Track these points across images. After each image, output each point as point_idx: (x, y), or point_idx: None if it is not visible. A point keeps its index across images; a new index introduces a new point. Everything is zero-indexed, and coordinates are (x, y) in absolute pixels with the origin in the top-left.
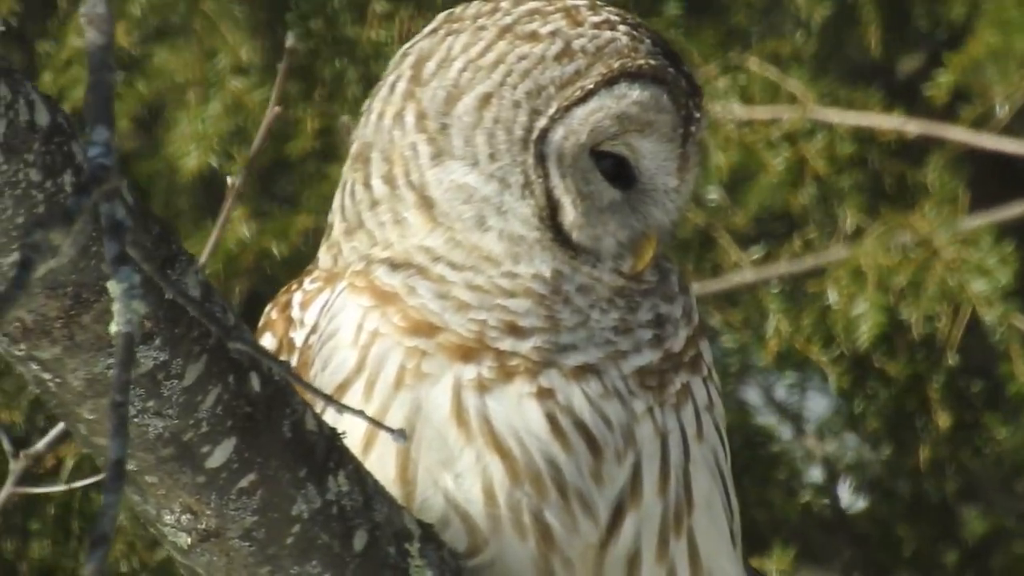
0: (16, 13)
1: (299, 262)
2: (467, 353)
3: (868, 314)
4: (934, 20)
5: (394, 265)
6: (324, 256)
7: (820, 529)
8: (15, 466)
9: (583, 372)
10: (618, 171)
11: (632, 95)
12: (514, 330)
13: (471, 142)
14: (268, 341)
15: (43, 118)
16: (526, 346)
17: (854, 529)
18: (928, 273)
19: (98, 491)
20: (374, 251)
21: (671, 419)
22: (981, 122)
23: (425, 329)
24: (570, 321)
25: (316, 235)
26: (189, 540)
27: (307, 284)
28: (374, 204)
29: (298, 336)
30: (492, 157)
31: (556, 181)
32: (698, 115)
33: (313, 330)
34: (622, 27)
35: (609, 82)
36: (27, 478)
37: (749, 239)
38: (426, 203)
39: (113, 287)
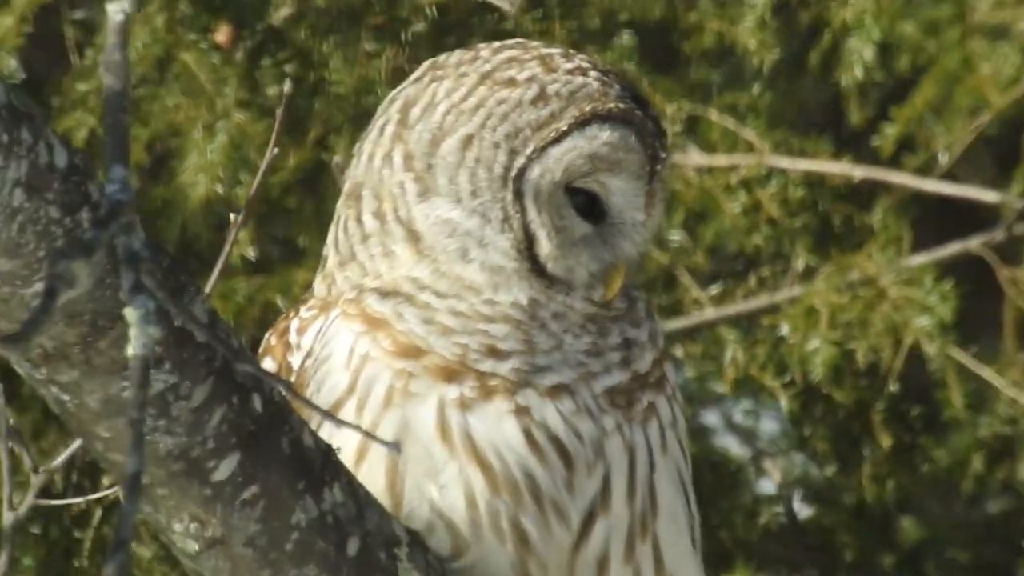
0: (30, 61)
1: None
2: (450, 374)
3: (821, 349)
4: (886, 72)
5: (383, 294)
6: (319, 286)
7: (774, 540)
8: (35, 480)
9: (557, 391)
10: (590, 206)
11: (602, 136)
12: (494, 353)
13: (454, 180)
14: (268, 364)
15: (61, 159)
16: (505, 367)
17: (803, 537)
18: (875, 311)
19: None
20: (365, 281)
21: (638, 434)
22: (924, 169)
23: (412, 352)
24: (545, 345)
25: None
26: (197, 547)
27: (303, 312)
28: (365, 238)
29: (295, 360)
30: (474, 194)
31: (533, 216)
32: (663, 155)
33: (309, 354)
34: (593, 73)
35: (581, 124)
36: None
37: (708, 277)
38: (413, 237)
39: (130, 314)
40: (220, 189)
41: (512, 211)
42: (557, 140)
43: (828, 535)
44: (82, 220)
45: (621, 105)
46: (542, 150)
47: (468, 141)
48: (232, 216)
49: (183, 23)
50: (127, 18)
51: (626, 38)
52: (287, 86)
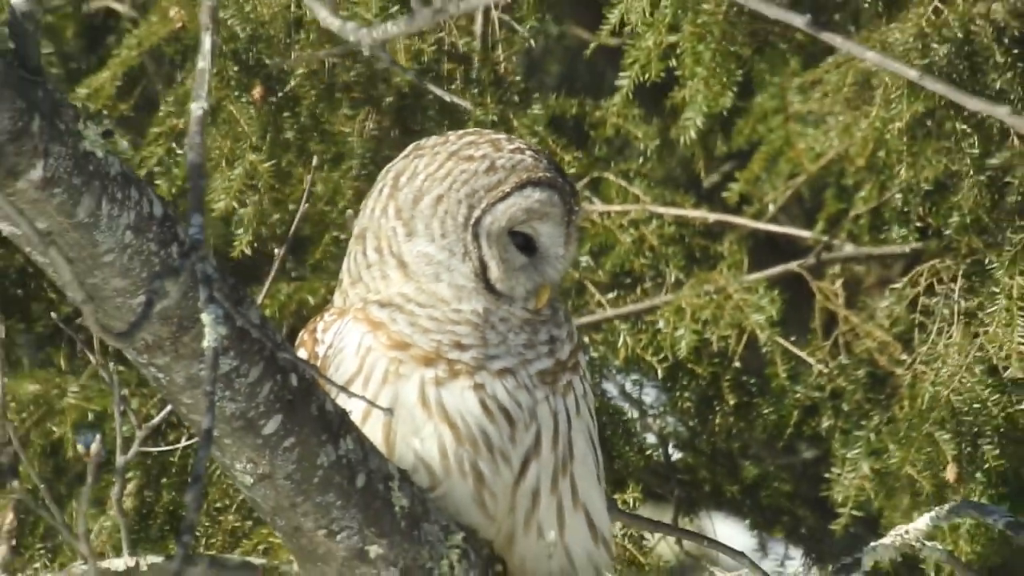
0: (125, 117)
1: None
2: (428, 361)
3: (685, 335)
4: (727, 147)
5: (382, 304)
6: (337, 298)
7: (654, 474)
8: (139, 434)
9: (504, 373)
10: (525, 244)
11: (535, 196)
12: (459, 346)
13: (430, 226)
14: (302, 353)
15: (158, 210)
16: (467, 356)
17: (675, 473)
18: (723, 310)
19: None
20: (369, 295)
21: (560, 403)
22: (758, 214)
23: (401, 346)
24: (495, 340)
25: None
26: (251, 480)
27: (326, 316)
28: (369, 266)
29: (320, 350)
30: (443, 235)
31: (485, 251)
32: (577, 208)
33: (330, 346)
34: (528, 152)
35: (520, 187)
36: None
37: (607, 288)
38: (402, 265)
39: (205, 318)
40: (235, 206)
41: (471, 247)
42: (503, 198)
43: (692, 472)
44: (172, 252)
45: (548, 174)
46: (492, 205)
47: (439, 199)
48: (276, 251)
49: (230, 83)
50: (204, 113)
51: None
52: (315, 160)
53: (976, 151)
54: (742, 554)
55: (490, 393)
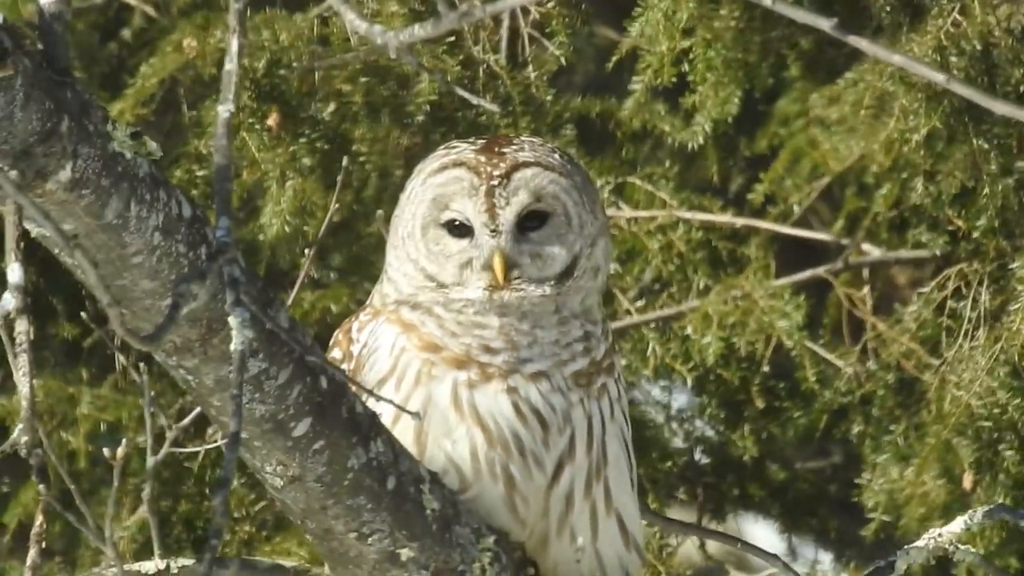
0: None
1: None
2: (461, 363)
3: (712, 342)
4: (752, 149)
5: (412, 306)
6: (374, 299)
7: (681, 479)
8: (169, 434)
9: (537, 376)
10: (459, 228)
11: (436, 180)
12: (488, 350)
13: (393, 241)
14: (337, 353)
15: (187, 211)
16: (498, 360)
17: (701, 478)
18: (750, 316)
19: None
20: (399, 296)
21: (594, 406)
22: (783, 216)
23: (433, 348)
24: (524, 341)
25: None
26: (281, 482)
27: (362, 316)
28: (398, 276)
29: (355, 349)
30: (395, 247)
31: (412, 251)
32: (497, 172)
33: (364, 345)
34: (470, 142)
35: (424, 180)
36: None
37: (635, 294)
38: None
39: (233, 320)
40: (287, 228)
41: (411, 252)
42: (412, 197)
43: (720, 475)
44: (200, 254)
45: (453, 157)
46: (405, 207)
47: (392, 219)
48: (305, 252)
49: (244, 110)
50: (230, 115)
51: (568, 131)
52: (345, 161)
53: (994, 167)
54: (775, 556)
55: (523, 396)
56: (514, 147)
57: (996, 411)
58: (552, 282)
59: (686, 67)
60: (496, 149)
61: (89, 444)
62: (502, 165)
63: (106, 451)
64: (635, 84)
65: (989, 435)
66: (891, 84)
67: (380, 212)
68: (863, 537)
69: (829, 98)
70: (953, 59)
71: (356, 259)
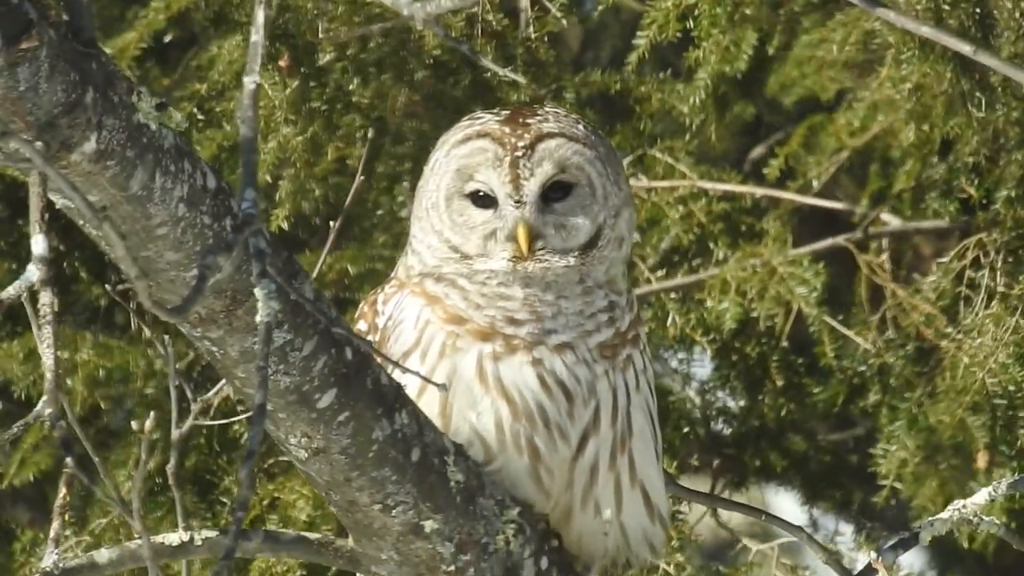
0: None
1: (368, 276)
2: (485, 336)
3: (730, 308)
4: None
5: (437, 279)
6: (399, 271)
7: (700, 449)
8: (194, 407)
9: (563, 348)
10: (483, 199)
11: (461, 151)
12: (512, 322)
13: (417, 216)
14: (362, 325)
15: (212, 183)
16: (523, 332)
17: (722, 449)
18: (769, 283)
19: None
20: (424, 268)
21: (619, 378)
22: (802, 188)
23: (458, 320)
24: (549, 313)
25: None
26: (305, 454)
27: (387, 289)
28: (422, 248)
29: (380, 321)
30: (419, 218)
31: (436, 222)
32: (522, 143)
33: (390, 318)
34: (493, 112)
35: (448, 151)
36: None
37: (656, 264)
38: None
39: (258, 292)
40: (268, 178)
41: (435, 224)
42: (435, 168)
43: (739, 449)
44: (225, 226)
45: (478, 127)
46: (429, 179)
47: (415, 191)
48: (331, 223)
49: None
50: (256, 86)
51: (568, 96)
52: (370, 132)
53: (982, 114)
54: (799, 528)
55: (548, 368)
56: (538, 118)
57: (1012, 388)
58: (576, 253)
59: (691, 24)
60: (520, 120)
61: (88, 389)
62: (526, 136)
63: (134, 424)
64: (639, 39)
65: (1004, 413)
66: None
67: (405, 184)
68: (884, 509)
69: (820, 39)
70: (947, 7)
71: (357, 217)
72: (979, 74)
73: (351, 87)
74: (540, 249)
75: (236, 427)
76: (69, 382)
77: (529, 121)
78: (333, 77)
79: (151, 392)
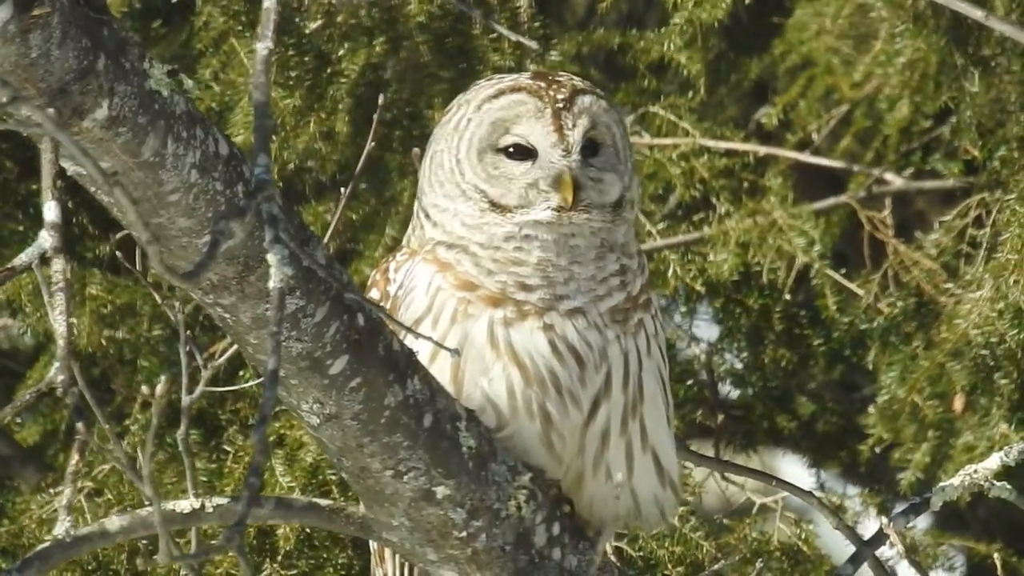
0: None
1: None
2: (496, 302)
3: (730, 258)
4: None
5: (448, 246)
6: (411, 239)
7: (705, 407)
8: (204, 373)
9: (573, 313)
10: (521, 151)
11: (496, 104)
12: (524, 287)
13: (432, 181)
14: (375, 293)
15: (224, 149)
16: (534, 297)
17: (730, 410)
18: (769, 234)
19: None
20: (435, 235)
21: (631, 343)
22: (802, 145)
23: (469, 287)
24: (561, 278)
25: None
26: (317, 420)
27: (399, 257)
28: (415, 214)
29: (392, 288)
30: (442, 184)
31: (471, 177)
32: (561, 96)
33: (401, 286)
34: (514, 75)
35: (479, 106)
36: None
37: (658, 219)
38: (427, 216)
39: (271, 258)
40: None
41: (463, 184)
42: (467, 124)
43: (748, 410)
44: (238, 192)
45: (509, 83)
46: (462, 137)
47: (433, 157)
48: (342, 189)
49: (235, 16)
50: (269, 53)
51: (594, 72)
52: (381, 99)
53: (976, 89)
54: (810, 493)
55: (560, 334)
56: (564, 76)
57: (993, 340)
58: (609, 210)
59: None
60: (550, 77)
61: (97, 326)
62: (564, 89)
63: (144, 389)
64: None
65: (985, 363)
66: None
67: (416, 150)
68: (884, 468)
69: (813, 13)
70: None
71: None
72: (973, 48)
73: (339, 54)
74: (582, 201)
75: (241, 373)
76: (75, 320)
77: (560, 78)
78: (320, 45)
79: (157, 334)
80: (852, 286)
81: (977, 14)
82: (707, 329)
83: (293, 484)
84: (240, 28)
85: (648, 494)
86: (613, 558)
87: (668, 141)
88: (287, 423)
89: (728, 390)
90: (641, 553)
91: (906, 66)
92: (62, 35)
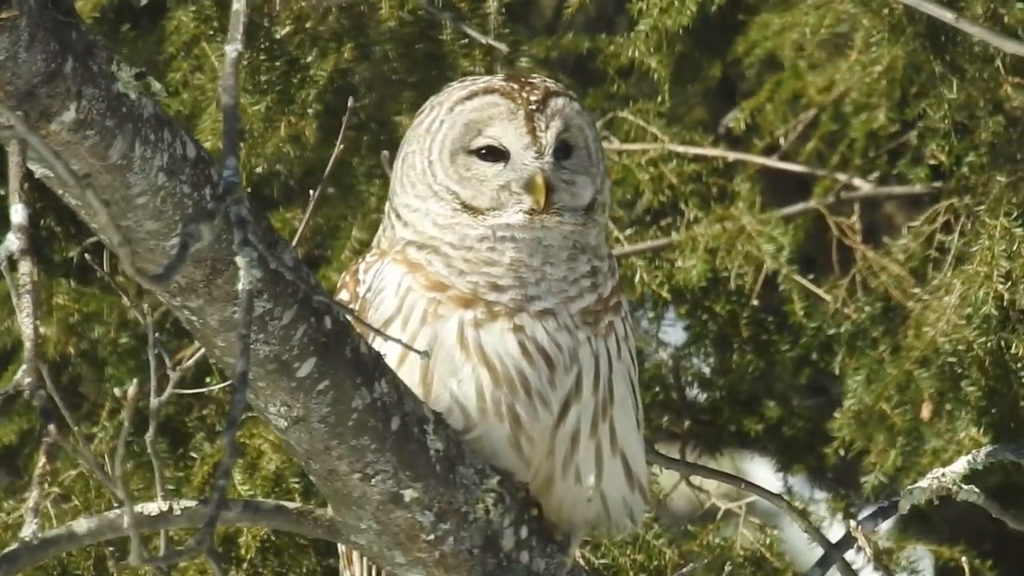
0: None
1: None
2: (467, 302)
3: (698, 264)
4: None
5: (419, 246)
6: (381, 240)
7: (671, 412)
8: (173, 376)
9: (544, 314)
10: (493, 153)
11: (468, 107)
12: (496, 288)
13: (403, 183)
14: (344, 295)
15: (191, 152)
16: (505, 298)
17: (698, 415)
18: (738, 240)
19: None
20: (405, 235)
21: (601, 345)
22: (770, 150)
23: (440, 287)
24: (532, 279)
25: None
26: (285, 423)
27: (368, 258)
28: (387, 214)
29: (361, 290)
30: (413, 185)
31: (443, 179)
32: (533, 98)
33: (370, 288)
34: (485, 77)
35: (451, 108)
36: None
37: (626, 224)
38: (399, 217)
39: (240, 260)
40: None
41: (435, 186)
42: (440, 127)
43: (716, 414)
44: (206, 195)
45: (481, 85)
46: (434, 139)
47: (404, 158)
48: (310, 192)
49: (207, 21)
50: (238, 55)
51: (562, 77)
52: (351, 102)
53: (953, 95)
54: (779, 496)
55: (530, 335)
56: (537, 79)
57: (961, 348)
58: (581, 213)
59: None
60: (523, 79)
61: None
62: (537, 92)
63: (117, 391)
64: None
65: (952, 370)
66: (852, 6)
67: (385, 153)
68: (849, 471)
69: (791, 23)
70: None
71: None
72: (950, 55)
73: (308, 59)
74: (554, 204)
75: (208, 379)
76: (43, 330)
77: (533, 80)
78: (290, 50)
79: (124, 342)
80: (819, 291)
81: (948, 16)
82: (674, 334)
83: (253, 493)
84: (211, 33)
85: (617, 497)
86: (582, 563)
87: (637, 146)
88: (247, 432)
89: (696, 393)
90: (604, 560)
91: (882, 74)
92: (30, 38)
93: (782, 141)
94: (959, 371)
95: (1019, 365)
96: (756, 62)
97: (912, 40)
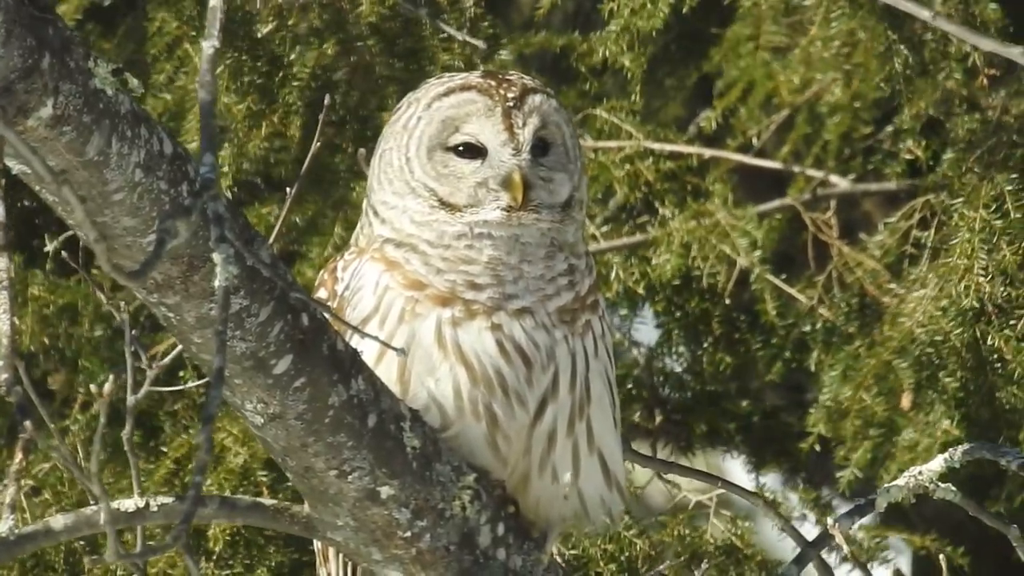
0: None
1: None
2: (445, 301)
3: (672, 259)
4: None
5: (397, 244)
6: (359, 237)
7: (644, 409)
8: (149, 373)
9: (521, 313)
10: (471, 150)
11: (445, 103)
12: (473, 286)
13: (381, 179)
14: (323, 293)
15: (168, 148)
16: (483, 296)
17: (670, 413)
18: (712, 234)
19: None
20: (383, 233)
21: (578, 344)
22: (743, 147)
23: (418, 285)
24: (510, 277)
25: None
26: (262, 420)
27: (347, 256)
28: (364, 212)
29: (339, 288)
30: (391, 182)
31: (420, 176)
32: (511, 94)
33: (348, 286)
34: (463, 74)
35: (428, 105)
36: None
37: (603, 221)
38: (376, 214)
39: (216, 256)
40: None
41: (412, 182)
42: (417, 123)
43: (688, 412)
44: (183, 191)
45: (458, 82)
46: (411, 136)
47: (381, 156)
48: (288, 190)
49: (189, 22)
50: (215, 51)
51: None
52: (327, 99)
53: (909, 71)
54: (756, 494)
55: (507, 334)
56: (514, 76)
57: (938, 338)
58: (558, 210)
59: None
60: (500, 76)
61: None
62: (514, 88)
63: (93, 388)
64: None
65: (930, 360)
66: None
67: (362, 151)
68: (823, 467)
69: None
70: None
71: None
72: (909, 31)
73: (291, 57)
74: (532, 201)
75: (182, 373)
76: (18, 321)
77: (511, 77)
78: (272, 48)
79: (99, 335)
80: (792, 291)
81: (924, 15)
82: (647, 332)
83: (220, 487)
84: (194, 34)
85: (595, 496)
86: (558, 558)
87: (613, 144)
88: (213, 426)
89: (668, 392)
90: (574, 551)
91: (840, 48)
92: (7, 34)
93: (755, 141)
94: (936, 361)
95: (995, 357)
96: (730, 80)
97: (870, 14)
